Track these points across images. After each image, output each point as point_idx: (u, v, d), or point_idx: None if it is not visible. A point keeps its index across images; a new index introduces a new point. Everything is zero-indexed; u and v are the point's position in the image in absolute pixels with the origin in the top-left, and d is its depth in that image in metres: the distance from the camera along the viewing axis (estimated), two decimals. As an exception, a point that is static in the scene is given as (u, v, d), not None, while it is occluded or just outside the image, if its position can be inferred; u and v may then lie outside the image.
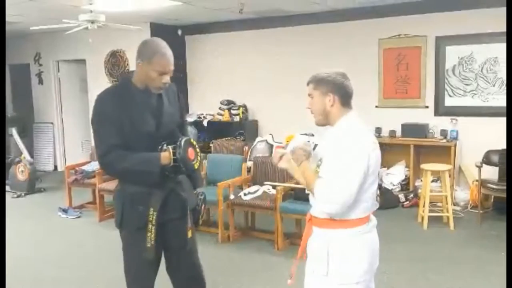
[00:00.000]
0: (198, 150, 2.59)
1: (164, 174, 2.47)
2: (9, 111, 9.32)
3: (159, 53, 2.44)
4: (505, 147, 5.28)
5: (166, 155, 2.45)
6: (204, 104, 8.34)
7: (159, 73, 2.43)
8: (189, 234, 2.65)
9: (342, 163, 2.04)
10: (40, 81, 9.47)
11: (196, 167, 2.55)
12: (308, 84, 2.22)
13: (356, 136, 2.11)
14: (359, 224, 2.14)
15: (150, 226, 2.48)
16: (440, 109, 6.52)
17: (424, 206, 5.39)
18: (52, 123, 9.42)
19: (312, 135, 6.24)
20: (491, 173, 5.66)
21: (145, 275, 2.61)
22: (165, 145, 2.48)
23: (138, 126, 2.45)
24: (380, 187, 6.40)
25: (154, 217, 2.48)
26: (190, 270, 2.74)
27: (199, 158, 2.58)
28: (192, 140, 2.57)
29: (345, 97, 2.17)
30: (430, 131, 6.48)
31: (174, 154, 2.45)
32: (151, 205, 2.48)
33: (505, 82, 6.02)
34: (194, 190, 2.77)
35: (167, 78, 2.47)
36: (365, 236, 2.17)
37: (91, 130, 2.59)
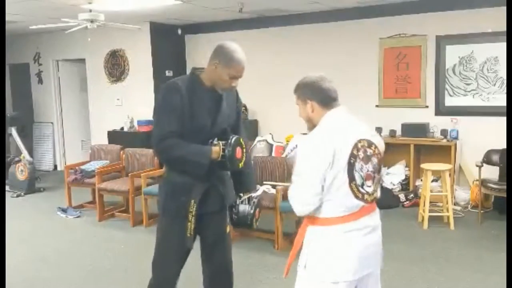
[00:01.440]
0: (245, 150, 2.69)
1: (210, 167, 2.56)
2: (9, 110, 9.30)
3: (238, 59, 2.57)
4: (505, 146, 5.27)
5: (216, 150, 2.56)
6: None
7: (232, 76, 2.58)
8: (228, 229, 2.80)
9: (299, 163, 2.13)
10: (40, 81, 9.46)
11: (240, 166, 2.65)
12: (294, 93, 2.30)
13: (318, 134, 2.15)
14: (339, 223, 2.12)
15: (190, 216, 2.61)
16: (441, 109, 6.51)
17: (424, 206, 5.38)
18: (51, 122, 9.41)
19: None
20: (492, 172, 5.65)
21: (174, 261, 2.73)
22: (216, 140, 2.60)
23: (195, 120, 2.57)
24: (379, 186, 6.39)
25: (195, 208, 2.60)
26: (221, 264, 2.85)
27: (244, 158, 2.68)
28: (241, 140, 2.66)
29: (325, 100, 2.19)
30: (431, 130, 6.47)
31: (223, 150, 2.56)
32: (192, 197, 2.60)
33: (505, 81, 6.01)
34: (247, 192, 2.84)
35: (237, 82, 2.64)
36: (349, 236, 2.13)
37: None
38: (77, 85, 9.42)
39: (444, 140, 6.26)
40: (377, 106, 6.92)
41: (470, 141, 6.27)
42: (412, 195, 6.30)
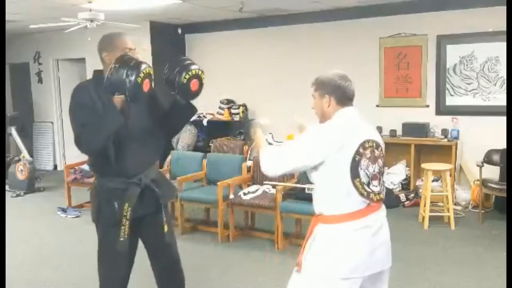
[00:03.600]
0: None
1: (145, 173, 2.58)
2: (9, 110, 9.30)
3: (116, 36, 2.56)
4: (506, 146, 5.26)
5: (116, 99, 2.37)
6: (204, 103, 8.30)
7: (127, 51, 2.49)
8: (165, 228, 2.74)
9: (303, 135, 2.27)
10: (40, 80, 9.45)
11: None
12: (311, 86, 2.32)
13: (329, 125, 2.21)
14: (348, 220, 2.14)
15: (124, 220, 2.56)
16: (441, 108, 6.50)
17: (425, 205, 5.37)
18: (51, 122, 9.41)
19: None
20: (492, 172, 5.64)
21: (118, 267, 2.70)
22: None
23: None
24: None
25: (129, 212, 2.56)
26: (168, 262, 2.85)
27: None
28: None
29: (342, 98, 2.24)
30: (431, 130, 6.45)
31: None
32: (126, 201, 2.56)
33: (506, 81, 6.00)
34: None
35: (135, 56, 2.49)
36: (359, 233, 2.15)
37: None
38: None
39: (445, 140, 6.25)
40: (377, 105, 6.91)
41: (470, 140, 6.26)
42: (412, 195, 6.29)
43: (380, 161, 2.22)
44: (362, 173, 2.13)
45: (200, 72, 2.60)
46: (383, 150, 2.27)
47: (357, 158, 2.12)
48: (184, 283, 2.94)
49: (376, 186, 2.18)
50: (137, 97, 2.37)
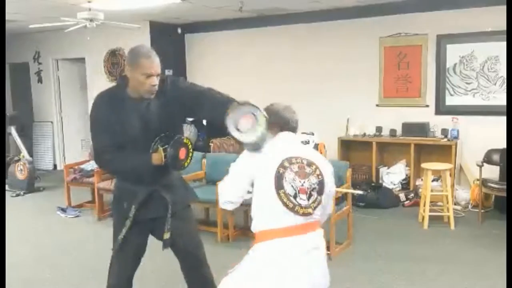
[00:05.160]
0: (191, 149, 2.66)
1: (154, 173, 2.61)
2: (9, 110, 9.30)
3: (143, 56, 2.51)
4: (506, 146, 5.25)
5: (156, 156, 2.58)
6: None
7: (145, 74, 2.48)
8: (166, 236, 2.71)
9: (233, 164, 2.36)
10: (40, 80, 9.44)
11: (186, 165, 2.65)
12: None
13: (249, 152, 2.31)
14: (272, 237, 2.18)
15: (127, 221, 2.64)
16: (441, 108, 6.49)
17: (424, 205, 5.37)
18: (51, 122, 9.40)
19: (312, 133, 6.23)
20: (492, 172, 5.64)
21: (122, 262, 2.76)
22: (156, 145, 2.60)
23: (125, 132, 2.57)
24: (380, 186, 6.39)
25: (133, 213, 2.63)
26: (187, 257, 2.85)
27: (190, 157, 2.67)
28: (185, 140, 2.63)
29: (284, 127, 2.36)
30: (431, 130, 6.45)
31: (165, 154, 2.57)
32: (133, 202, 2.64)
33: (506, 80, 5.99)
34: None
35: (154, 80, 2.51)
36: (284, 253, 2.15)
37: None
38: (77, 84, 9.40)
39: (445, 140, 6.25)
40: (377, 105, 6.90)
41: (470, 140, 6.26)
42: (412, 194, 6.29)
43: (312, 178, 2.23)
44: (286, 185, 2.18)
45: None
46: (323, 170, 2.28)
47: (281, 171, 2.19)
48: (212, 283, 2.98)
49: (304, 200, 2.19)
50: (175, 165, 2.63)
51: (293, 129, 2.39)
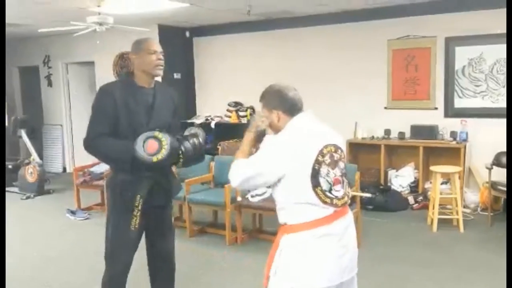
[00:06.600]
0: (165, 145, 2.62)
1: (140, 164, 2.66)
2: (19, 113, 9.39)
3: (144, 40, 2.84)
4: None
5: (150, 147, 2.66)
6: (211, 106, 8.35)
7: (151, 52, 2.75)
8: (172, 221, 3.03)
9: (259, 153, 2.17)
10: (49, 83, 9.53)
11: (155, 160, 2.60)
12: (260, 101, 2.32)
13: (280, 140, 2.18)
14: (311, 227, 2.11)
15: (136, 211, 2.76)
16: (450, 111, 6.47)
17: (433, 208, 5.35)
18: (61, 125, 9.48)
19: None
20: (502, 175, 5.59)
21: (124, 253, 2.89)
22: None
23: (132, 118, 2.72)
24: (388, 189, 6.37)
25: (141, 203, 2.76)
26: (162, 252, 3.03)
27: (163, 151, 2.60)
28: (156, 133, 2.64)
29: (291, 109, 2.23)
30: (440, 132, 6.42)
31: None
32: (138, 193, 2.75)
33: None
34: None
35: (160, 56, 2.78)
36: (323, 241, 2.12)
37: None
38: (86, 87, 9.47)
39: (454, 142, 6.22)
40: (385, 108, 6.89)
41: (479, 143, 6.22)
42: (421, 197, 6.27)
43: (340, 164, 2.18)
44: (322, 181, 2.10)
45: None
46: (343, 151, 2.24)
47: (316, 167, 2.09)
48: (174, 272, 3.11)
49: (339, 190, 2.15)
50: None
51: (301, 111, 2.26)
